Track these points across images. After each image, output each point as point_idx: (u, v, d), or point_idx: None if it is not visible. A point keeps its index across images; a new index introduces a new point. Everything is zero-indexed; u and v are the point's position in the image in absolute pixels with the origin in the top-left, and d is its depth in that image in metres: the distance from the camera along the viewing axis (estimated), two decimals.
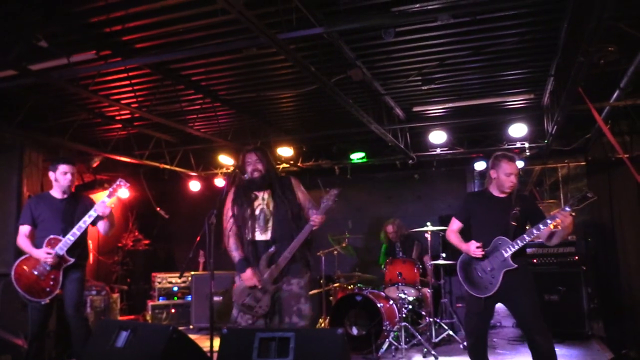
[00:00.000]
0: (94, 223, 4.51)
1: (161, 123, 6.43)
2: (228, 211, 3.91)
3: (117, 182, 4.61)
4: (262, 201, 3.86)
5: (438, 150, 7.91)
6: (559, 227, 3.67)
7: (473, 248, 3.86)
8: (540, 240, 3.94)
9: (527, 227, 3.90)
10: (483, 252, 3.85)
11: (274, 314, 3.75)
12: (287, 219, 3.77)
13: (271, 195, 3.87)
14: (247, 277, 3.74)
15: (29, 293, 4.36)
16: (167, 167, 8.39)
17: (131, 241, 9.60)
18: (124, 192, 4.93)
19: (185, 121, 6.53)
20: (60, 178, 4.55)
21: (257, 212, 3.84)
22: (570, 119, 6.25)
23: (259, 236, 3.81)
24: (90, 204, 4.59)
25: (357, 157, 8.29)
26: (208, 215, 3.65)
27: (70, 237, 4.39)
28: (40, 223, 4.54)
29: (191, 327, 7.86)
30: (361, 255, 8.08)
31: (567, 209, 3.64)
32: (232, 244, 3.85)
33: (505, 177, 3.92)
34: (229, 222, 3.87)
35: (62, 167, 4.54)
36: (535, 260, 6.62)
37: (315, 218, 3.71)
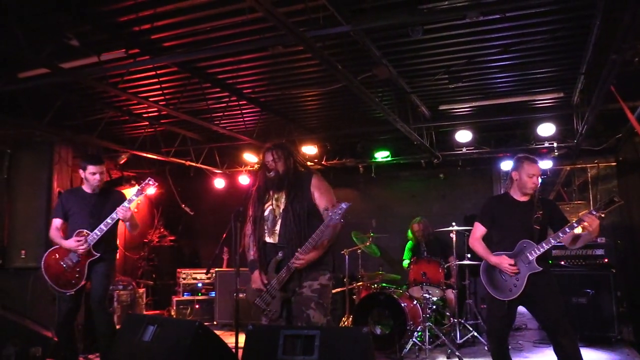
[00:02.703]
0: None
1: (187, 121, 6.50)
2: (249, 210, 3.84)
3: (146, 181, 4.67)
4: (274, 202, 3.70)
5: (464, 150, 7.83)
6: (586, 229, 3.59)
7: (506, 264, 3.77)
8: (562, 243, 3.86)
9: (549, 231, 3.85)
10: (517, 271, 3.77)
11: (285, 318, 3.60)
12: (294, 222, 3.57)
13: (286, 196, 3.66)
14: (254, 279, 3.68)
15: (56, 284, 4.51)
16: (193, 164, 8.48)
17: (157, 237, 9.75)
18: (151, 190, 5.00)
19: (211, 119, 6.59)
20: (89, 178, 4.66)
21: (266, 213, 3.71)
22: (600, 118, 6.14)
23: (268, 239, 3.69)
24: (120, 199, 4.68)
25: (381, 155, 8.27)
26: (234, 212, 3.67)
27: (97, 232, 4.50)
28: (71, 217, 4.67)
29: (215, 322, 7.95)
30: (385, 254, 8.05)
31: (594, 212, 3.56)
32: (246, 243, 3.80)
33: (527, 178, 3.88)
34: (247, 222, 3.81)
35: (91, 168, 4.64)
36: (563, 262, 6.51)
37: (298, 258, 3.46)
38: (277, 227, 3.65)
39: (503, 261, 3.79)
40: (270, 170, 3.67)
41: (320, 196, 3.64)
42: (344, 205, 3.40)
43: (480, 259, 4.07)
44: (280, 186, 3.68)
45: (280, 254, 3.60)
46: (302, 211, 3.58)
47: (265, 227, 3.70)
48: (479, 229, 4.03)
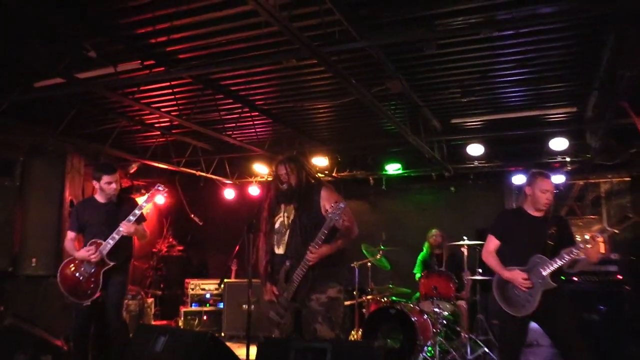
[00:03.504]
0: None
1: (199, 131, 6.59)
2: (262, 223, 3.88)
3: (155, 188, 4.73)
4: (284, 214, 3.76)
5: (475, 163, 7.86)
6: (587, 256, 3.63)
7: (520, 279, 3.77)
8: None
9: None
10: (532, 285, 3.78)
11: (297, 331, 3.61)
12: (300, 234, 3.61)
13: (294, 208, 3.72)
14: (265, 290, 3.73)
15: (72, 295, 4.54)
16: (203, 174, 8.56)
17: (165, 247, 9.81)
18: (160, 198, 5.06)
19: (222, 130, 6.68)
20: (105, 187, 4.69)
21: (277, 225, 3.77)
22: (614, 133, 6.15)
23: (277, 250, 3.74)
24: (133, 206, 4.73)
25: (392, 168, 8.31)
26: (247, 224, 3.72)
27: (110, 241, 4.53)
28: (87, 228, 4.71)
29: (222, 334, 7.97)
30: (395, 267, 8.06)
31: (599, 235, 3.59)
32: (260, 255, 3.83)
33: (540, 193, 3.88)
34: (260, 235, 3.85)
35: (106, 178, 4.67)
36: (576, 278, 6.50)
37: (311, 252, 3.46)
38: (286, 238, 3.70)
39: (517, 276, 3.79)
40: (283, 182, 3.72)
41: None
42: (342, 205, 3.44)
43: (492, 273, 4.08)
44: (291, 199, 3.72)
45: (287, 263, 3.63)
46: (310, 223, 3.60)
47: (275, 239, 3.76)
48: (492, 242, 4.03)
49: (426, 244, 7.33)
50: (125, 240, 4.64)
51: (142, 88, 5.62)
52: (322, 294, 3.53)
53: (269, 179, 3.95)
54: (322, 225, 3.49)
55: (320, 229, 3.48)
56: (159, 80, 5.49)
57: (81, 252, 4.56)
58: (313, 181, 3.79)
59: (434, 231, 7.28)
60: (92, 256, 4.50)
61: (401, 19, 4.09)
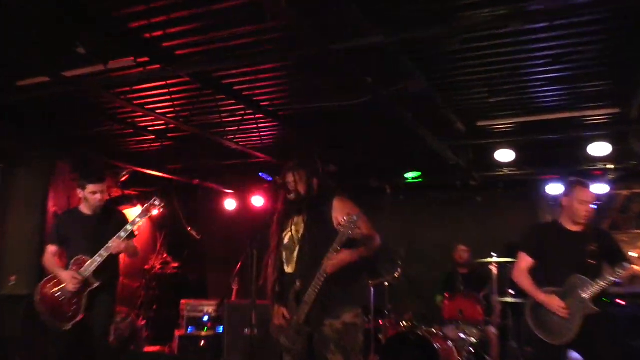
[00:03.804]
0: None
1: (198, 135, 6.64)
2: (270, 238, 3.89)
3: (151, 201, 4.76)
4: (293, 228, 3.77)
5: (505, 170, 7.85)
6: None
7: (557, 304, 3.76)
8: (618, 281, 3.83)
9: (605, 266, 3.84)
10: (570, 310, 3.75)
11: (310, 358, 3.59)
12: (310, 250, 3.62)
13: (304, 220, 3.73)
14: (274, 313, 3.72)
15: (50, 318, 4.51)
16: (201, 183, 8.61)
17: (159, 263, 9.85)
18: (156, 211, 5.06)
19: (223, 133, 6.73)
20: (89, 198, 4.69)
21: (286, 240, 3.79)
22: None
23: (287, 268, 3.76)
24: (123, 221, 4.75)
25: (411, 175, 8.31)
26: (251, 239, 3.74)
27: (97, 258, 4.51)
28: (69, 242, 4.70)
29: None
30: (415, 287, 8.05)
31: None
32: (268, 273, 3.84)
33: (579, 205, 3.86)
34: (273, 248, 3.85)
35: (91, 187, 4.68)
36: (621, 301, 6.44)
37: (329, 259, 3.44)
38: (295, 255, 3.70)
39: (553, 300, 3.77)
40: (291, 192, 3.73)
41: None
42: (354, 217, 3.44)
43: (525, 295, 4.07)
44: (300, 210, 3.74)
45: (298, 283, 3.62)
46: (321, 238, 3.58)
47: (285, 256, 3.77)
48: (524, 261, 4.01)
49: (451, 264, 7.31)
50: (112, 257, 4.63)
51: (135, 88, 5.68)
52: (337, 320, 3.51)
53: (276, 188, 3.93)
54: (334, 240, 3.49)
55: (332, 243, 3.47)
56: (154, 78, 5.53)
57: (64, 275, 4.51)
58: (326, 191, 3.80)
59: (459, 247, 7.26)
60: (73, 286, 4.46)
61: (422, 12, 4.11)
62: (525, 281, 3.97)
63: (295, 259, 3.69)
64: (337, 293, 3.53)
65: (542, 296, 3.85)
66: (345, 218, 3.47)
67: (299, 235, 3.71)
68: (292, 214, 3.81)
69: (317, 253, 3.53)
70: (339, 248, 3.44)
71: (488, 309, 6.57)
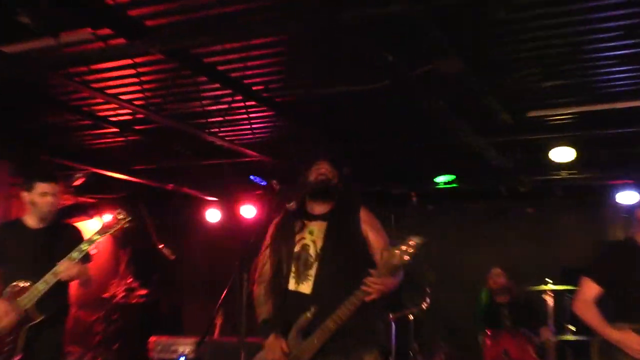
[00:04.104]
0: None
1: (173, 128, 6.65)
2: (265, 250, 3.88)
3: (115, 215, 4.72)
4: (309, 235, 3.79)
5: (563, 174, 7.84)
6: None
7: (635, 345, 3.74)
8: None
9: None
10: None
11: None
12: (338, 266, 3.65)
13: (325, 228, 3.76)
14: (269, 346, 3.66)
15: None
16: (177, 188, 8.62)
17: (122, 290, 9.87)
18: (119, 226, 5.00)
19: (205, 125, 6.73)
20: (39, 202, 4.65)
21: (297, 249, 3.77)
22: None
23: (294, 286, 3.73)
24: (77, 238, 4.72)
25: (443, 180, 8.30)
26: (240, 259, 3.72)
27: (41, 286, 4.43)
28: (6, 263, 4.62)
29: None
30: (448, 321, 8.04)
31: None
32: (259, 294, 3.85)
33: None
34: (262, 265, 3.87)
35: (42, 187, 4.63)
36: None
37: (373, 284, 3.45)
38: (313, 271, 3.69)
39: (630, 340, 3.76)
40: (319, 175, 3.77)
41: (376, 236, 3.73)
42: (416, 240, 3.44)
43: (589, 332, 4.06)
44: (326, 197, 3.80)
45: (312, 310, 3.58)
46: (351, 251, 3.68)
47: (294, 270, 3.75)
48: (590, 289, 3.99)
49: (483, 292, 7.29)
50: (60, 285, 4.54)
51: (93, 67, 5.68)
52: None
53: (273, 195, 3.94)
54: (365, 258, 3.61)
55: (361, 263, 3.56)
56: (118, 56, 5.54)
57: None
58: (354, 195, 3.94)
59: (492, 270, 7.26)
60: (6, 320, 4.38)
61: None
62: (591, 315, 3.94)
63: (313, 276, 3.68)
64: (359, 329, 3.54)
65: (614, 334, 3.82)
66: (411, 240, 3.46)
67: (318, 247, 3.72)
68: (304, 217, 3.84)
69: (344, 273, 3.60)
70: (387, 273, 3.46)
71: (541, 349, 6.54)
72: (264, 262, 3.89)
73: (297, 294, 3.69)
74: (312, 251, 3.73)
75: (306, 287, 3.68)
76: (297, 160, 4.01)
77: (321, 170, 3.78)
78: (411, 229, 8.41)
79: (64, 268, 4.44)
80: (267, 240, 3.93)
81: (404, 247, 3.42)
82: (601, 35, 5.03)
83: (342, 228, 3.74)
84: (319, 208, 3.85)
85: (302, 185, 3.81)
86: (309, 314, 3.56)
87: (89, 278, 4.72)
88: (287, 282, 3.74)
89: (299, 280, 3.71)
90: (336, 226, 3.75)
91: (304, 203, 3.88)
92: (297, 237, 3.80)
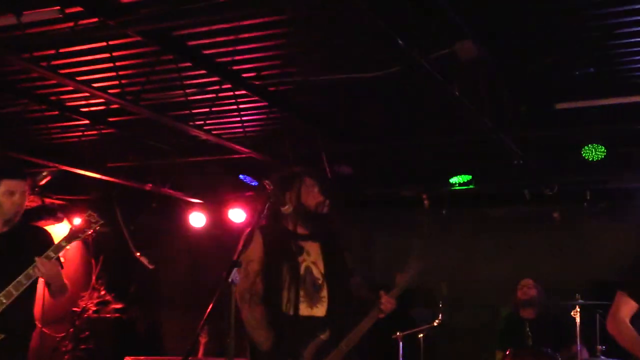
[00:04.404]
0: None
1: (152, 120, 6.63)
2: (251, 262, 3.91)
3: (86, 217, 4.70)
4: (307, 256, 4.00)
5: (594, 175, 7.83)
6: None
7: None
8: None
9: None
10: None
11: None
12: (344, 287, 3.98)
13: (320, 249, 4.04)
14: None
15: None
16: (157, 189, 8.60)
17: (94, 304, 9.83)
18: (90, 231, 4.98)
19: (189, 117, 6.72)
20: (4, 201, 4.62)
21: (302, 271, 3.93)
22: None
23: (308, 311, 3.88)
24: (48, 242, 4.70)
25: (459, 180, 8.29)
26: (228, 269, 3.70)
27: (2, 299, 4.44)
28: None
29: None
30: (463, 340, 8.03)
31: None
32: (257, 315, 3.88)
33: None
34: (250, 281, 3.91)
35: (8, 184, 4.59)
36: None
37: (388, 303, 3.89)
38: (324, 292, 3.91)
39: None
40: (318, 204, 4.01)
41: (349, 255, 4.10)
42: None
43: (623, 353, 4.05)
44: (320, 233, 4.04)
45: (326, 333, 3.75)
46: (346, 271, 4.03)
47: (302, 294, 3.86)
48: (627, 305, 3.95)
49: (504, 310, 7.27)
50: (26, 299, 4.54)
51: (62, 51, 5.66)
52: None
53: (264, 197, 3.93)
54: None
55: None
56: (90, 38, 5.53)
57: None
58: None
59: (524, 281, 7.23)
60: None
61: None
62: (626, 334, 3.92)
63: (326, 298, 3.91)
64: (364, 350, 3.91)
65: None
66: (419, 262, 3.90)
67: (321, 268, 3.99)
68: (299, 239, 4.01)
69: (349, 293, 3.99)
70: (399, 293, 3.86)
71: None
72: (253, 279, 3.92)
73: (311, 319, 3.86)
74: (316, 273, 3.96)
75: (320, 310, 3.90)
76: (292, 159, 4.05)
77: (319, 199, 4.02)
78: (422, 237, 8.47)
79: (42, 264, 4.37)
80: (258, 252, 3.94)
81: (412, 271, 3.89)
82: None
83: (334, 248, 4.04)
84: (302, 228, 4.05)
85: (300, 207, 3.97)
86: (322, 336, 3.76)
87: (64, 284, 4.68)
88: (295, 307, 3.85)
89: (312, 303, 3.89)
90: (328, 247, 4.03)
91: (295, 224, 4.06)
92: (300, 259, 3.96)
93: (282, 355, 3.78)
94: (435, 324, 6.83)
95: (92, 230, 4.69)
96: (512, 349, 6.59)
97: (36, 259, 4.38)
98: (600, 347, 6.36)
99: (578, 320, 6.45)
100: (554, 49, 5.55)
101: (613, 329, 4.00)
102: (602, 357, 6.30)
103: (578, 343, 6.46)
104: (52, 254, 4.43)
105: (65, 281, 4.70)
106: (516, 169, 7.62)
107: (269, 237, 3.97)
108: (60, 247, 4.52)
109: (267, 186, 3.81)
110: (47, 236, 4.83)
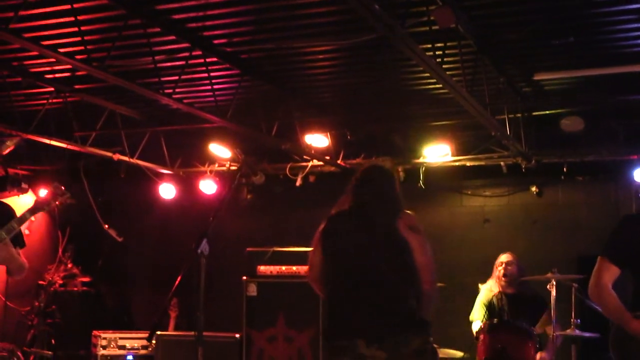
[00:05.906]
0: None
1: (120, 87, 6.58)
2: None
3: (53, 191, 4.67)
4: None
5: (573, 148, 7.88)
6: None
7: None
8: None
9: None
10: None
11: None
12: None
13: None
14: None
15: None
16: (125, 159, 8.58)
17: (60, 278, 9.78)
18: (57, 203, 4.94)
19: (158, 85, 6.66)
20: None
21: None
22: None
23: None
24: (8, 215, 4.67)
25: (436, 153, 8.31)
26: (197, 241, 3.70)
27: None
28: None
29: None
30: (439, 315, 8.07)
31: None
32: None
33: None
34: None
35: None
36: None
37: None
38: None
39: None
40: None
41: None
42: None
43: (597, 328, 4.09)
44: None
45: None
46: None
47: None
48: (607, 270, 3.92)
49: (489, 283, 7.29)
50: None
51: (23, 13, 5.58)
52: None
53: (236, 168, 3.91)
54: None
55: None
56: (54, 0, 5.47)
57: None
58: None
59: (504, 256, 7.26)
60: None
61: None
62: (609, 301, 3.89)
63: None
64: None
65: (634, 324, 3.82)
66: None
67: None
68: None
69: None
70: None
71: (541, 346, 6.60)
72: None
73: None
74: None
75: None
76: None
77: None
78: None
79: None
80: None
81: None
82: None
83: None
84: None
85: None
86: None
87: (21, 265, 4.61)
88: None
89: None
90: None
91: None
92: None
93: None
94: None
95: (58, 202, 4.67)
96: (488, 322, 6.63)
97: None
98: (574, 320, 6.42)
99: (554, 293, 6.49)
100: (533, 15, 5.55)
101: (595, 296, 3.96)
102: (577, 331, 6.36)
103: (553, 316, 6.52)
104: (15, 226, 4.39)
105: (23, 260, 4.63)
106: (489, 140, 7.67)
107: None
108: (24, 218, 4.49)
109: (238, 156, 3.80)
110: (9, 209, 4.78)
